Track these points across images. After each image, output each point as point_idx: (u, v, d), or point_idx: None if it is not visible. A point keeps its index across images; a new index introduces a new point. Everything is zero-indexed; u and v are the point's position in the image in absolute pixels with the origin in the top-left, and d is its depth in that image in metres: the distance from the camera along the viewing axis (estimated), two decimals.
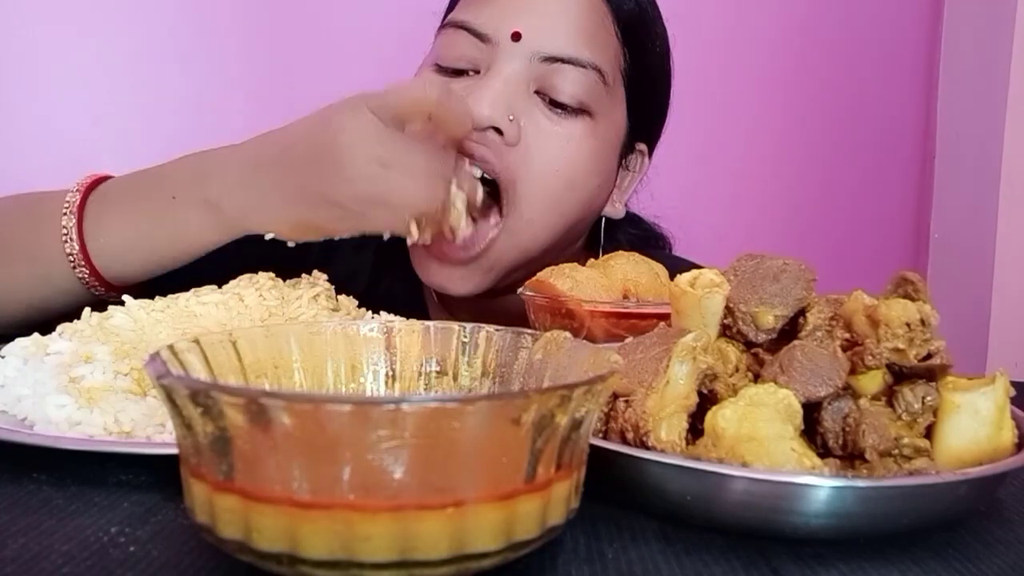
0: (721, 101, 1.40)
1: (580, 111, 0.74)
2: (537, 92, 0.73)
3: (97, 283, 0.68)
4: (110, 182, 0.70)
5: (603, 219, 0.85)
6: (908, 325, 0.41)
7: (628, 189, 0.86)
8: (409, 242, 0.62)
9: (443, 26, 0.78)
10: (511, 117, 0.71)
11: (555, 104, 0.73)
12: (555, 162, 0.73)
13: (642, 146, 0.85)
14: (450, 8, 0.82)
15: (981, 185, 1.31)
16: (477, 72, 0.74)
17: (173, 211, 0.66)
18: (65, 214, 0.67)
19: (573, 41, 0.73)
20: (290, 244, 0.64)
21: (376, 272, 0.89)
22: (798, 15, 1.40)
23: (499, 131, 0.71)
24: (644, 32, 0.80)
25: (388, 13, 1.31)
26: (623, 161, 0.83)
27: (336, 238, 0.63)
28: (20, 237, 0.70)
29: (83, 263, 0.67)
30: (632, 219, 0.91)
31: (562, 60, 0.72)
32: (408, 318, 0.89)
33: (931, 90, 1.43)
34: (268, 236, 0.64)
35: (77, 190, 0.68)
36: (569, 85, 0.73)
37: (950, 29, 1.40)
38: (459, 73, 0.75)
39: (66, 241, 0.66)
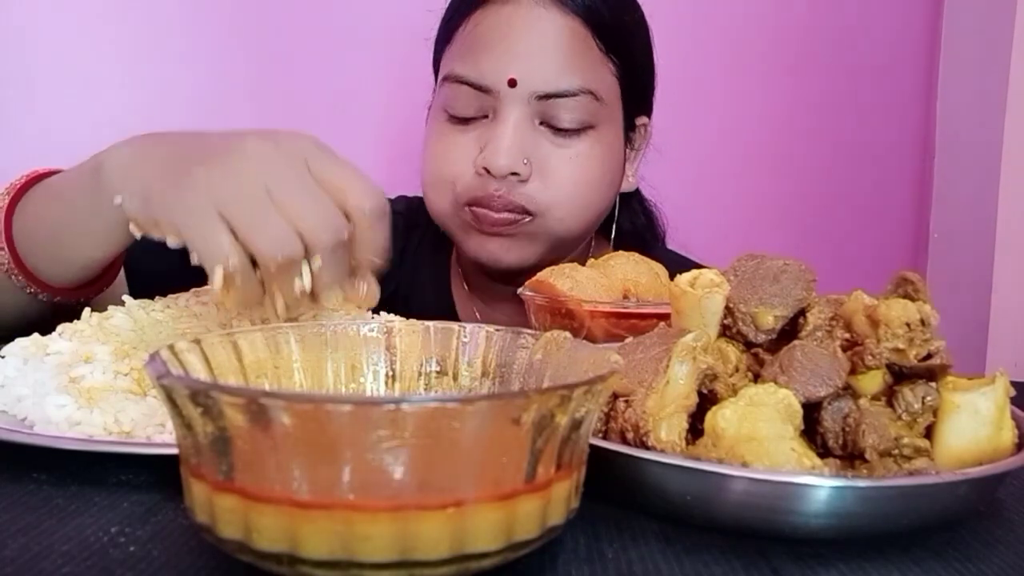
0: (720, 101, 1.40)
1: (582, 129, 0.81)
2: (541, 123, 0.81)
3: (36, 286, 0.65)
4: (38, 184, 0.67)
5: (618, 195, 0.91)
6: (908, 325, 0.41)
7: (636, 160, 0.92)
8: (211, 286, 0.48)
9: (445, 79, 0.84)
10: (525, 161, 0.79)
11: (559, 131, 0.81)
12: (572, 179, 0.81)
13: (642, 119, 0.90)
14: (440, 39, 0.87)
15: (981, 185, 1.31)
16: (485, 116, 0.81)
17: (76, 185, 0.61)
18: None
19: (563, 74, 0.79)
20: (136, 234, 0.55)
21: (402, 257, 0.94)
22: (798, 14, 1.40)
23: (516, 172, 0.79)
24: (625, 33, 0.84)
25: (388, 14, 1.31)
26: (628, 142, 0.89)
27: (173, 245, 0.51)
28: None
29: (16, 271, 0.64)
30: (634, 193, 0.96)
31: (557, 95, 0.79)
32: (434, 302, 0.88)
33: (931, 90, 1.43)
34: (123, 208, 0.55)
35: (7, 192, 0.65)
36: (567, 113, 0.80)
37: (950, 29, 1.40)
38: (469, 120, 0.82)
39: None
